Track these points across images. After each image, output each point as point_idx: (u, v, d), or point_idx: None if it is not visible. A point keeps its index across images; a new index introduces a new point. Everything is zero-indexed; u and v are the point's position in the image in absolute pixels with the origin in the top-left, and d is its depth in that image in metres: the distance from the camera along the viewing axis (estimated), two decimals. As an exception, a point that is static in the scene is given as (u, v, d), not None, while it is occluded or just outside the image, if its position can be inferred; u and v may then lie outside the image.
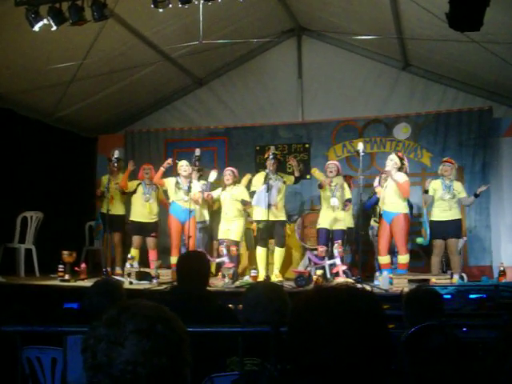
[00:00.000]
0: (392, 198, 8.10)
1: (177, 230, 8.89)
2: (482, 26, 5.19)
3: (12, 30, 7.38)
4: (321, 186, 8.46)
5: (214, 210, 9.49)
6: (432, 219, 8.25)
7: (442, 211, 8.16)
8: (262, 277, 8.25)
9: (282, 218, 8.62)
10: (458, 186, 8.26)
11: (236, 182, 8.86)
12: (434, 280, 7.72)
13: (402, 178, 8.08)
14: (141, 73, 9.82)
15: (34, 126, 9.69)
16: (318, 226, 8.51)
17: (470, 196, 8.39)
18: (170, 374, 1.39)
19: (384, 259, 8.22)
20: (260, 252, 8.56)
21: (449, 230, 8.12)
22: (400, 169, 8.22)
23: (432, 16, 6.97)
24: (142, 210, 9.06)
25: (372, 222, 9.10)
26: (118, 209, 9.28)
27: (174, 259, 8.53)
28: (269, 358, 2.54)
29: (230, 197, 8.73)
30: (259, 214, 8.51)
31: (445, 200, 8.14)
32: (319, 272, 8.16)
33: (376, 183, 8.53)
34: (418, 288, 4.83)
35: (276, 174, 8.57)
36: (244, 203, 8.77)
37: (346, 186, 8.58)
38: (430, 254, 8.48)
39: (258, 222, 8.64)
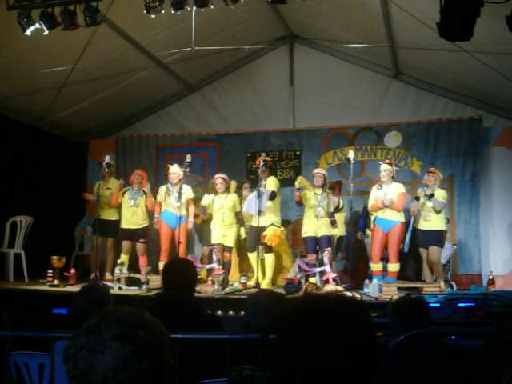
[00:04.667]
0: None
1: (167, 236, 8.87)
2: (473, 35, 5.22)
3: (4, 34, 7.36)
4: None
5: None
6: (417, 227, 8.27)
7: (424, 221, 8.20)
8: (266, 284, 8.32)
9: (267, 223, 8.40)
10: (439, 194, 8.22)
11: (228, 188, 8.81)
12: (424, 288, 7.74)
13: (399, 189, 8.16)
14: (132, 78, 9.81)
15: (24, 130, 9.65)
16: (305, 235, 8.44)
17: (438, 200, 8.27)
18: (152, 378, 1.39)
19: (376, 266, 8.25)
20: (251, 256, 8.58)
21: (429, 238, 8.14)
22: (392, 177, 8.30)
23: (423, 25, 7.01)
24: (130, 216, 9.03)
25: (367, 231, 9.13)
26: (110, 214, 9.20)
27: (162, 265, 8.51)
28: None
29: (226, 204, 8.67)
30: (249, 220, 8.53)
31: (424, 210, 8.18)
32: (313, 279, 8.18)
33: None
34: (404, 297, 4.85)
35: (266, 180, 8.54)
36: (237, 217, 8.81)
37: (331, 196, 8.58)
38: (421, 263, 8.54)
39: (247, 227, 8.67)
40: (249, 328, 2.99)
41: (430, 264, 8.18)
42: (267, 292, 4.44)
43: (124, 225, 9.08)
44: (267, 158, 8.56)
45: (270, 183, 8.48)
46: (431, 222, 8.14)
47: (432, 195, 8.05)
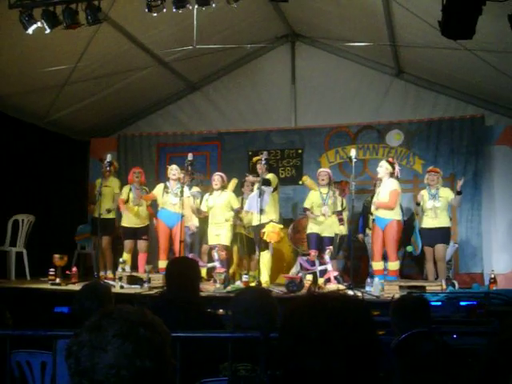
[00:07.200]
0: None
1: (165, 235, 8.85)
2: (475, 34, 5.22)
3: (5, 33, 7.36)
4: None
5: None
6: (421, 227, 8.32)
7: (429, 219, 8.21)
8: (264, 282, 8.25)
9: (266, 219, 8.30)
10: (444, 192, 8.23)
11: (224, 186, 8.81)
12: (426, 287, 7.74)
13: (391, 187, 8.07)
14: (134, 77, 9.81)
15: (26, 128, 9.66)
16: (309, 231, 8.48)
17: (455, 196, 8.24)
18: (153, 376, 1.40)
19: (377, 265, 8.23)
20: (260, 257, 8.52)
21: (436, 236, 8.14)
22: (391, 174, 8.25)
23: (425, 24, 7.00)
24: (134, 216, 9.01)
25: (367, 230, 9.13)
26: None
27: (162, 263, 8.52)
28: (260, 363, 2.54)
29: (218, 202, 8.70)
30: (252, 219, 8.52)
31: (430, 208, 8.17)
32: (309, 277, 8.17)
33: None
34: (406, 295, 4.85)
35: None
36: (235, 211, 8.74)
37: (337, 195, 8.59)
38: (422, 262, 8.53)
39: (250, 227, 8.65)
40: (239, 327, 2.97)
41: (437, 262, 8.17)
42: (253, 289, 4.45)
43: (126, 224, 9.06)
44: (269, 157, 8.59)
45: (269, 175, 8.44)
46: (438, 219, 8.14)
47: (459, 192, 8.11)
